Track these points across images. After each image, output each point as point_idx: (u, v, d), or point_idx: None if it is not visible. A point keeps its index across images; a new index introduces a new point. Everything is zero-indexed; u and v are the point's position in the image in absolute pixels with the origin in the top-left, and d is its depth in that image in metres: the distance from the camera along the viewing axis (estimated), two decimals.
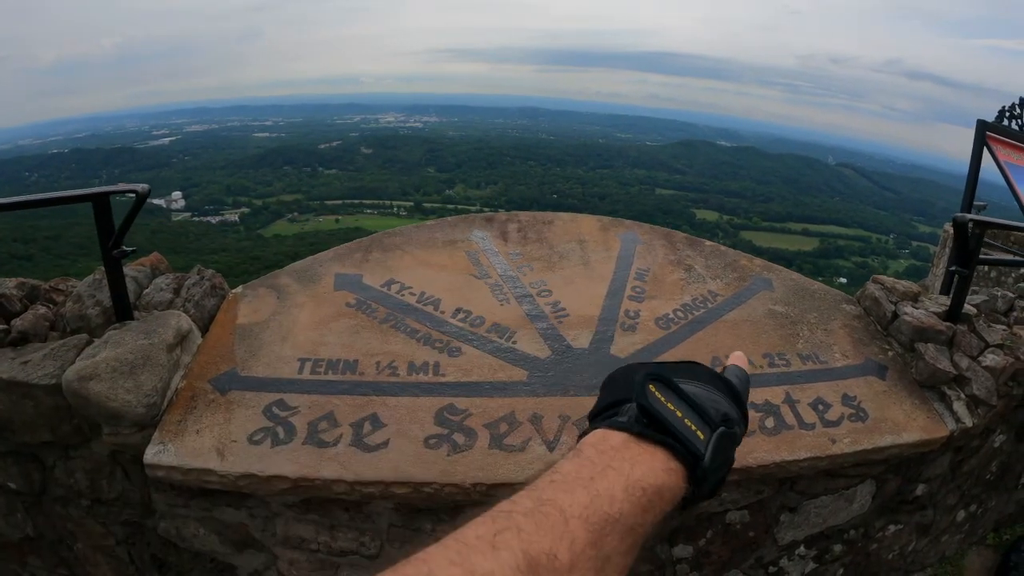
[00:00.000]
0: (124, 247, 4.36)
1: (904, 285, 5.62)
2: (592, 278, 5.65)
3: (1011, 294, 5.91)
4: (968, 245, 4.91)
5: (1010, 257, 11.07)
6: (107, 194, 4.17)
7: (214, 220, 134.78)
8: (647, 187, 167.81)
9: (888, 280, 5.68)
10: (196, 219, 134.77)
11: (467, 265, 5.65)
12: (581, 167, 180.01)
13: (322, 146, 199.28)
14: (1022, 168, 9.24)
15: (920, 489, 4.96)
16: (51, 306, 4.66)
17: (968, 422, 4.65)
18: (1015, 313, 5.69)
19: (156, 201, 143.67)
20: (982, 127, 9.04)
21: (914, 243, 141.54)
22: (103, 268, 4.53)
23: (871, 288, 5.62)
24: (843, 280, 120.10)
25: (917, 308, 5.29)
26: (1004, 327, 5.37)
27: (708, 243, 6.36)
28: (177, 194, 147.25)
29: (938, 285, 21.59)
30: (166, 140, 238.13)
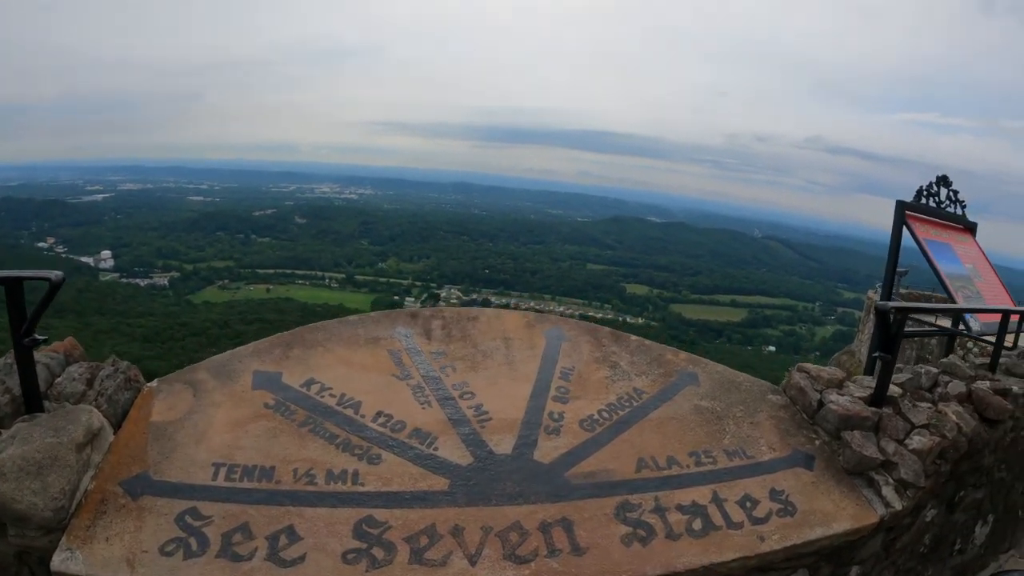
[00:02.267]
0: (36, 335, 4.17)
1: (829, 372, 5.68)
2: (516, 378, 5.58)
3: (934, 369, 6.11)
4: (890, 331, 5.07)
5: (931, 328, 11.35)
6: (20, 279, 4.04)
7: (142, 283, 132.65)
8: (578, 262, 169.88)
9: (813, 368, 5.73)
10: (124, 280, 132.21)
11: (389, 365, 5.53)
12: (513, 243, 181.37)
13: (256, 213, 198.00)
14: (940, 244, 9.63)
15: (854, 571, 4.98)
16: None
17: (897, 505, 4.74)
18: (939, 389, 5.85)
19: (84, 259, 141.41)
20: (901, 207, 9.33)
21: (839, 309, 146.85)
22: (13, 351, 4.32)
23: (796, 377, 5.68)
24: (772, 348, 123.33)
25: (842, 395, 5.35)
26: (929, 404, 5.52)
27: (634, 338, 6.33)
28: (106, 253, 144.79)
29: (864, 350, 22.24)
30: (99, 196, 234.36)
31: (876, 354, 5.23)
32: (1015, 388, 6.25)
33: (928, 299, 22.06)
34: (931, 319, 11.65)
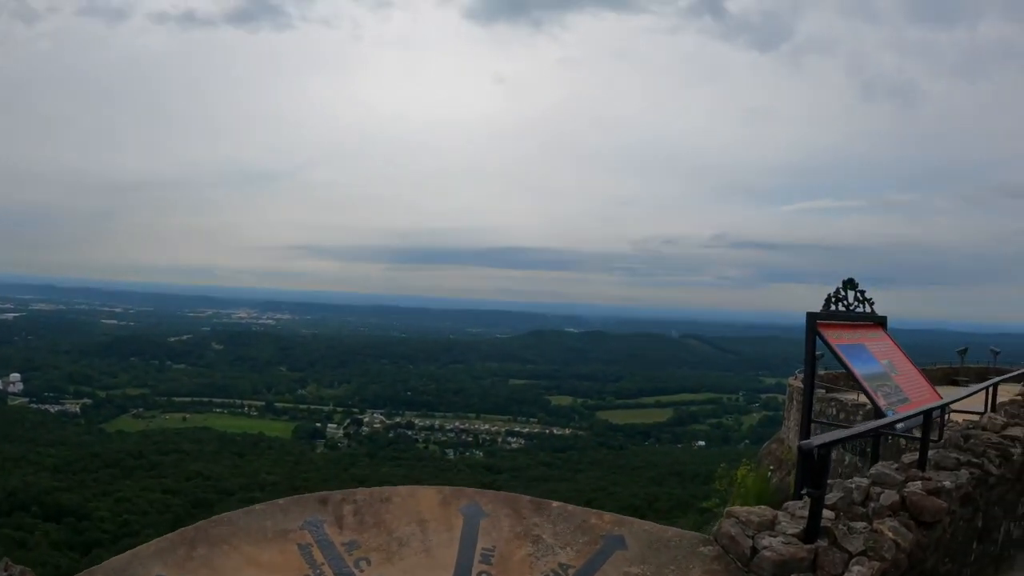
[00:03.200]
0: None
1: (759, 513, 5.56)
2: (434, 567, 5.29)
3: (865, 480, 6.18)
4: (815, 468, 5.10)
5: (848, 431, 11.70)
6: None
7: (53, 408, 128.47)
8: (500, 379, 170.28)
9: (742, 512, 5.57)
10: (34, 406, 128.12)
11: (300, 563, 5.14)
12: (434, 363, 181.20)
13: (172, 339, 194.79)
14: (854, 346, 10.02)
15: None
16: None
17: None
18: (872, 503, 5.85)
19: None
20: (812, 319, 9.73)
21: (763, 396, 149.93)
22: None
23: (726, 526, 5.48)
24: (701, 443, 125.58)
25: (775, 536, 5.23)
26: (864, 523, 5.53)
27: (555, 504, 6.05)
28: (16, 376, 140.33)
29: (793, 436, 22.75)
30: (10, 316, 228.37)
31: (804, 491, 5.29)
32: (947, 483, 6.42)
33: (835, 380, 22.90)
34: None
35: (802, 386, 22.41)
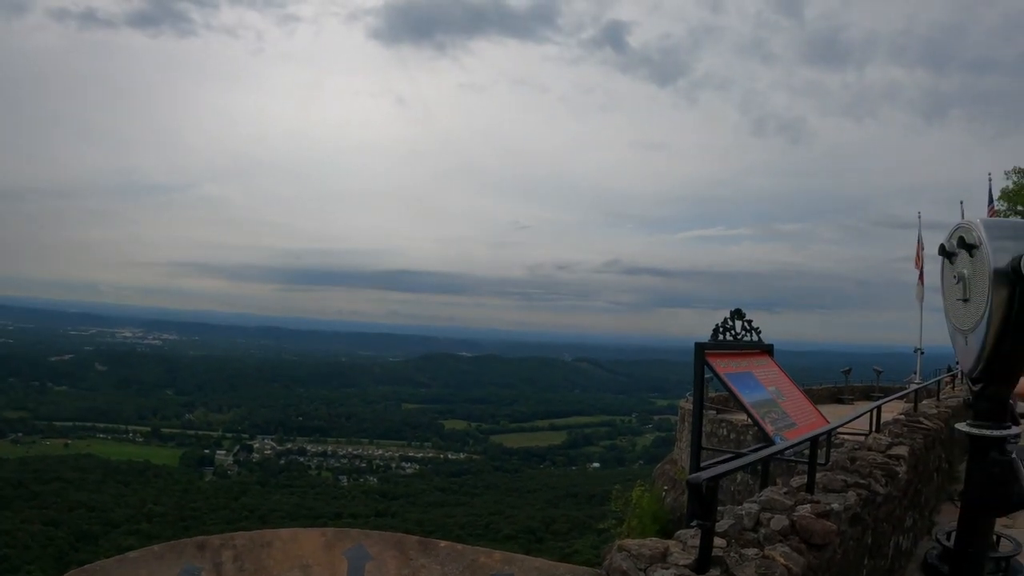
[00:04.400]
0: None
1: (650, 546, 5.39)
2: None
3: (755, 506, 6.24)
4: (705, 500, 5.00)
5: (736, 463, 11.95)
6: None
7: None
8: (392, 403, 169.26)
9: (633, 545, 5.35)
10: None
11: None
12: (325, 387, 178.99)
13: (53, 358, 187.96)
14: (742, 374, 10.41)
15: None
16: None
17: None
18: (763, 528, 5.91)
19: None
20: (701, 349, 10.06)
21: (656, 417, 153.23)
22: None
23: (617, 560, 5.25)
24: (596, 465, 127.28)
25: (667, 569, 5.06)
26: (756, 549, 5.52)
27: (443, 544, 5.92)
28: None
29: (685, 457, 23.37)
30: None
31: (694, 523, 5.21)
32: (835, 505, 6.54)
33: (726, 401, 23.65)
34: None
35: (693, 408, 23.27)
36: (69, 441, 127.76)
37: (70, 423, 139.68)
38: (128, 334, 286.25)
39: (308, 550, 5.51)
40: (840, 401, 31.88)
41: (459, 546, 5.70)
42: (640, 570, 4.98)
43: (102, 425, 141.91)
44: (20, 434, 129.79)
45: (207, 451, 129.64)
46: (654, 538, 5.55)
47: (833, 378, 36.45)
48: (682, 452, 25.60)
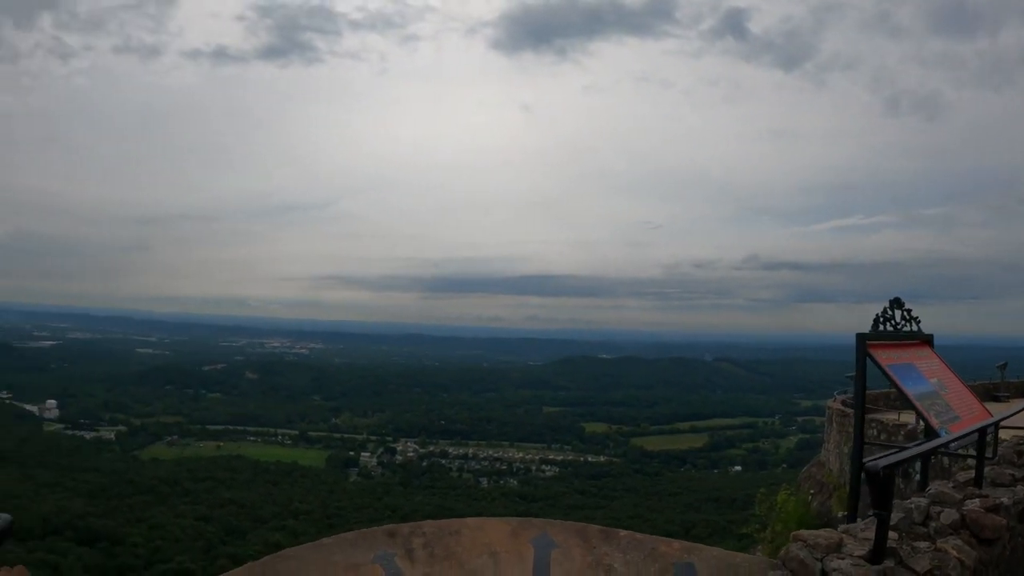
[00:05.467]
0: None
1: (826, 536, 5.46)
2: None
3: (924, 500, 6.09)
4: (882, 489, 5.08)
5: (908, 452, 11.30)
6: None
7: (88, 435, 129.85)
8: (533, 406, 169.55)
9: (809, 536, 5.47)
10: (69, 432, 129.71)
11: None
12: (467, 391, 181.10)
13: (206, 368, 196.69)
14: (904, 365, 9.78)
15: None
16: None
17: None
18: (933, 522, 5.83)
19: (29, 407, 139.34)
20: (862, 340, 9.52)
21: (799, 418, 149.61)
22: None
23: (794, 549, 5.38)
24: (738, 468, 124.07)
25: (843, 559, 5.16)
26: (928, 542, 5.49)
27: (623, 533, 5.95)
28: (52, 402, 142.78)
29: (832, 459, 22.26)
30: (47, 343, 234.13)
31: (871, 512, 5.25)
32: (1004, 500, 6.38)
33: (874, 400, 22.43)
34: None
35: (842, 408, 22.04)
36: (221, 443, 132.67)
37: (222, 427, 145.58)
38: (276, 344, 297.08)
39: (495, 538, 5.61)
40: (995, 399, 29.58)
41: (639, 535, 5.75)
42: (816, 559, 5.10)
43: (252, 429, 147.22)
44: (176, 436, 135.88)
45: (352, 453, 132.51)
46: (828, 529, 5.65)
47: (987, 374, 34.05)
48: (829, 454, 24.42)
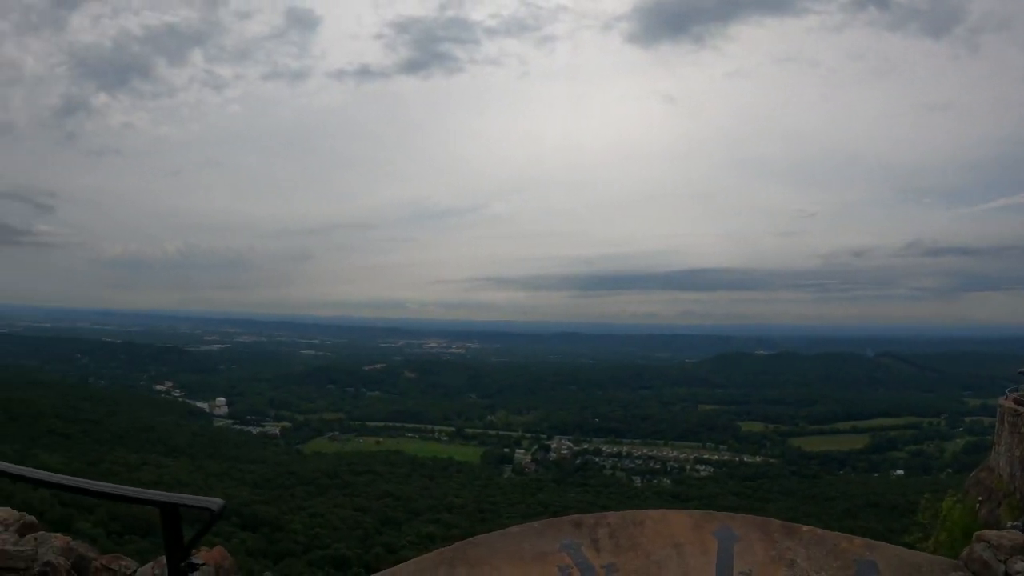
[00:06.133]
0: (193, 560, 4.09)
1: (1010, 538, 5.39)
2: None
3: None
4: None
5: None
6: (177, 505, 3.96)
7: (255, 430, 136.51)
8: (689, 404, 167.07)
9: (993, 536, 5.43)
10: (237, 427, 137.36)
11: None
12: (622, 389, 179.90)
13: (367, 368, 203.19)
14: None
15: None
16: None
17: None
18: None
19: (200, 404, 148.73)
20: None
21: (967, 419, 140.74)
22: (162, 559, 4.24)
23: (977, 550, 5.35)
24: (900, 472, 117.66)
25: None
26: None
27: (804, 528, 5.99)
28: (221, 400, 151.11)
29: (1003, 463, 20.77)
30: (216, 346, 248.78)
31: None
32: None
33: None
34: None
35: (1015, 407, 20.43)
36: (380, 439, 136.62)
37: (382, 423, 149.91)
38: (433, 345, 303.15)
39: (678, 529, 5.69)
40: None
41: (820, 531, 5.74)
42: (1000, 561, 5.03)
43: (410, 425, 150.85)
44: (337, 432, 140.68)
45: (507, 450, 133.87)
46: (1012, 531, 5.60)
47: None
48: (1000, 458, 22.90)
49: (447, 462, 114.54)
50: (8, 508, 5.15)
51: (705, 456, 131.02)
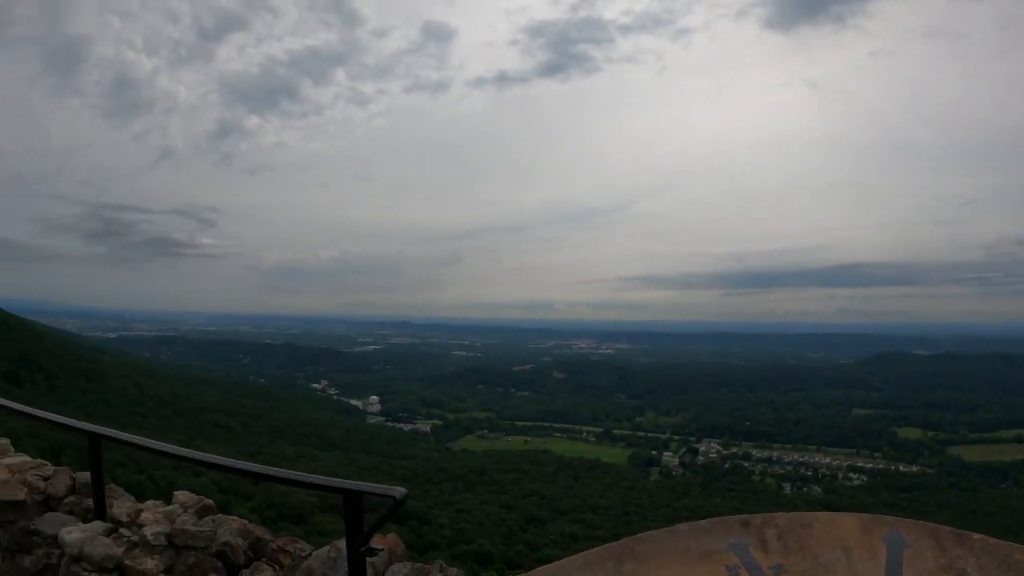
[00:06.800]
0: (372, 545, 4.25)
1: None
2: None
3: None
4: None
5: None
6: (362, 493, 4.16)
7: (406, 427, 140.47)
8: (842, 407, 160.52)
9: None
10: (389, 424, 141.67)
11: None
12: (773, 391, 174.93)
13: (516, 368, 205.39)
14: None
15: None
16: (276, 567, 4.66)
17: None
18: None
19: (354, 402, 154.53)
20: None
21: None
22: (338, 544, 4.51)
23: None
24: None
25: None
26: None
27: (976, 537, 5.24)
28: (374, 398, 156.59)
29: None
30: (370, 348, 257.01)
31: None
32: None
33: None
34: None
35: None
36: (528, 438, 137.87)
37: (530, 423, 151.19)
38: (583, 345, 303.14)
39: (847, 533, 5.24)
40: None
41: (992, 540, 5.12)
42: None
43: (559, 425, 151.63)
44: (486, 431, 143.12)
45: (654, 452, 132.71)
46: None
47: None
48: None
49: (594, 463, 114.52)
50: (187, 492, 5.69)
51: (859, 464, 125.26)
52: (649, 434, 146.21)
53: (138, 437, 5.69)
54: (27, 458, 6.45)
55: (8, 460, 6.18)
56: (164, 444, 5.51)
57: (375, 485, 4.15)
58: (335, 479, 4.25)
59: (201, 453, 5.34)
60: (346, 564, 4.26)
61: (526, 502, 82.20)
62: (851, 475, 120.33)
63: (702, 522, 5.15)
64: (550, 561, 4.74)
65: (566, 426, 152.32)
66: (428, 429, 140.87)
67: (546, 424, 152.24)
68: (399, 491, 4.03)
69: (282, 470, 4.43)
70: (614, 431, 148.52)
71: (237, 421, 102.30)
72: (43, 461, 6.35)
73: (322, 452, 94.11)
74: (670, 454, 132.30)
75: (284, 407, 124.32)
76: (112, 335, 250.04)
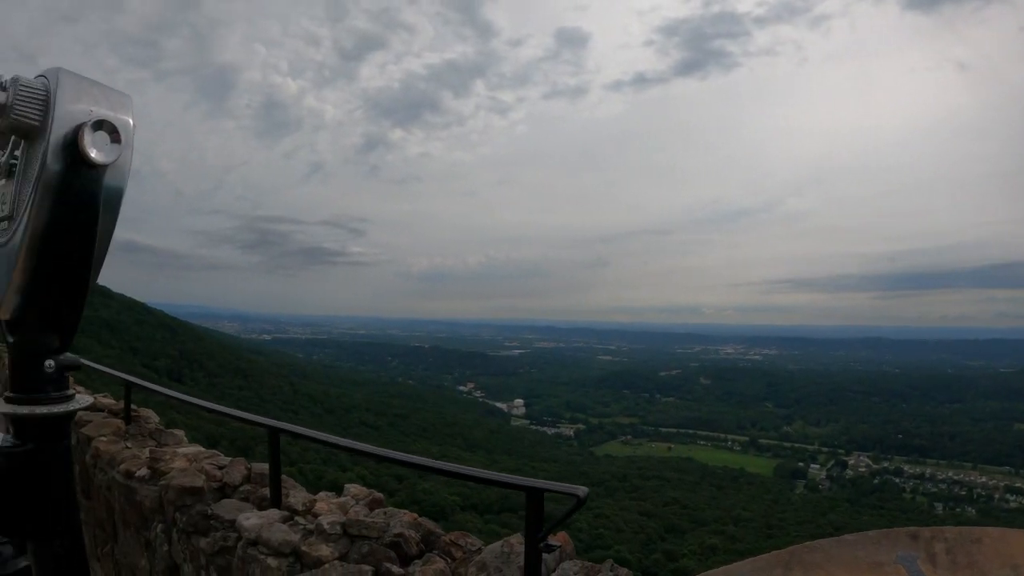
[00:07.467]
0: (550, 541, 4.25)
1: None
2: None
3: None
4: None
5: None
6: (543, 491, 4.21)
7: (550, 431, 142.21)
8: (1003, 422, 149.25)
9: None
10: (533, 427, 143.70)
11: None
12: (928, 402, 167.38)
13: (662, 373, 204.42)
14: None
15: None
16: (448, 560, 4.76)
17: None
18: None
19: (499, 404, 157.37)
20: None
21: None
22: (511, 540, 4.62)
23: None
24: None
25: None
26: None
27: None
28: (519, 401, 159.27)
29: None
30: (516, 352, 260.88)
31: None
32: None
33: None
34: None
35: None
36: (672, 445, 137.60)
37: (674, 429, 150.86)
38: (730, 351, 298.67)
39: (1018, 550, 5.52)
40: None
41: None
42: None
43: (703, 433, 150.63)
44: (630, 436, 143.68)
45: (801, 464, 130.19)
46: None
47: None
48: None
49: (738, 472, 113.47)
50: (359, 485, 6.16)
51: (1017, 484, 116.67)
52: (796, 445, 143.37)
53: (314, 432, 6.24)
54: (201, 448, 7.30)
55: (185, 450, 7.09)
56: (340, 439, 6.05)
57: (558, 483, 4.24)
58: (517, 476, 4.46)
59: (381, 449, 5.78)
60: (519, 559, 4.41)
61: (667, 510, 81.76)
62: (1008, 496, 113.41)
63: (871, 533, 5.33)
64: (688, 573, 5.29)
65: (711, 434, 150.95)
66: (572, 433, 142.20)
67: (691, 431, 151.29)
68: (582, 490, 4.09)
69: (466, 467, 4.69)
70: (760, 440, 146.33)
71: (384, 420, 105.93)
72: (216, 452, 7.14)
73: (466, 452, 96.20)
74: (817, 466, 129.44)
75: (430, 408, 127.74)
76: (267, 337, 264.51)
